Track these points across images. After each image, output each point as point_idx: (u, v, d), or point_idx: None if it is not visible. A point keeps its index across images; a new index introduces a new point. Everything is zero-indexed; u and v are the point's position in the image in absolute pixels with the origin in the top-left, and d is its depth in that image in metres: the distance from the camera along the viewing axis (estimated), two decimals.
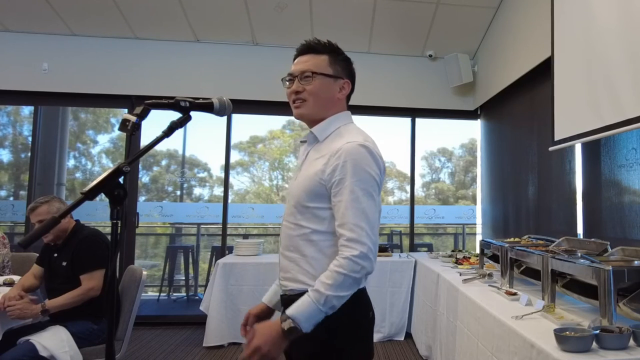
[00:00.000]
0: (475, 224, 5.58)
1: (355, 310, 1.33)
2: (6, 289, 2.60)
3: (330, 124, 1.42)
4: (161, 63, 4.71)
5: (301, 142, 1.51)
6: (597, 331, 1.42)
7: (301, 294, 1.28)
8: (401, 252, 5.29)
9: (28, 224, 4.72)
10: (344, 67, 1.46)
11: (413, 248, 5.15)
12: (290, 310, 1.20)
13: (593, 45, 2.51)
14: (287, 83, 1.44)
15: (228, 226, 5.00)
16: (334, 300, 1.20)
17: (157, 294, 5.95)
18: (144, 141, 4.49)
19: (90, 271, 2.47)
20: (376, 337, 4.00)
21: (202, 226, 6.41)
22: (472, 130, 5.54)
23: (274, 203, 6.81)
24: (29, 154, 4.86)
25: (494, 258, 2.81)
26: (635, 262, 1.76)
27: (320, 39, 1.46)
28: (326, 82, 1.42)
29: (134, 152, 1.17)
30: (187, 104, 1.25)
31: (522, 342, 1.60)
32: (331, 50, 1.45)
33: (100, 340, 2.48)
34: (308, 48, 1.44)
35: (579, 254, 1.97)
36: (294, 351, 1.36)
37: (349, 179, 1.26)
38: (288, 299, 1.36)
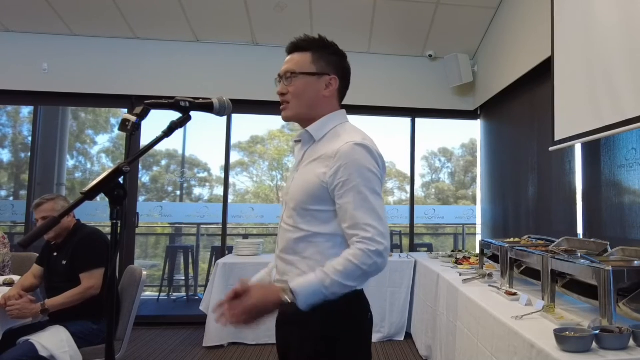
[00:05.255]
0: (475, 224, 5.57)
1: (356, 308, 1.32)
2: (6, 289, 2.60)
3: (326, 123, 1.37)
4: (161, 63, 4.71)
5: (295, 141, 1.46)
6: (597, 331, 1.42)
7: None
8: (401, 252, 5.29)
9: (28, 224, 4.72)
10: (329, 62, 1.37)
11: (413, 248, 5.15)
12: (294, 284, 1.17)
13: (593, 45, 2.51)
14: (278, 85, 1.39)
15: (228, 226, 5.00)
16: (337, 287, 1.17)
17: (157, 294, 5.95)
18: (144, 141, 4.49)
19: (90, 270, 2.47)
20: (376, 337, 4.00)
21: (202, 226, 6.40)
22: (472, 130, 5.54)
23: (273, 203, 6.81)
24: (29, 154, 4.86)
25: (494, 258, 2.81)
26: (635, 262, 1.76)
27: (309, 36, 1.38)
28: (309, 80, 1.35)
29: (134, 152, 1.17)
30: (187, 104, 1.24)
31: (522, 342, 1.60)
32: (316, 46, 1.36)
33: (100, 340, 2.48)
34: (294, 46, 1.38)
35: (579, 254, 1.97)
36: (291, 350, 1.35)
37: (355, 180, 1.23)
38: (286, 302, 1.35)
